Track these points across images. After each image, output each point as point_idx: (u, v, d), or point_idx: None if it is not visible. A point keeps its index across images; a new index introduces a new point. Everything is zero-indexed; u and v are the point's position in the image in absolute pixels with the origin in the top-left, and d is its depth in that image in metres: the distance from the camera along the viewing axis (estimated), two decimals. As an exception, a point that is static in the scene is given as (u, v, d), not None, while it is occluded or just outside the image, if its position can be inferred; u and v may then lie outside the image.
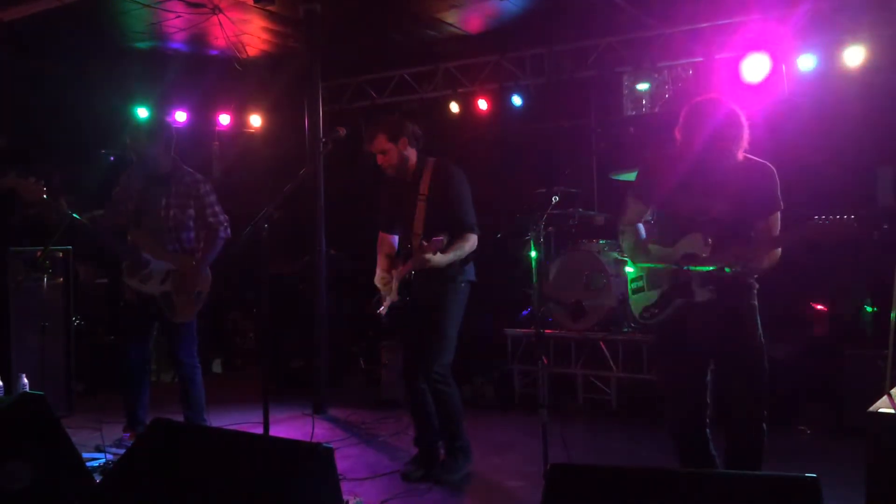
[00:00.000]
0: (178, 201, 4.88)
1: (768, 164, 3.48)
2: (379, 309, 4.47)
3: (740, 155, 3.41)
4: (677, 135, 3.51)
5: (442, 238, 4.12)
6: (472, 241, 4.34)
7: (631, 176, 6.61)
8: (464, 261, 4.37)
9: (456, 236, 4.31)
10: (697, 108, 3.46)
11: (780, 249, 3.42)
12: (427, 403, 4.52)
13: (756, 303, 3.53)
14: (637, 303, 3.69)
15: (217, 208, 4.96)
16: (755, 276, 3.52)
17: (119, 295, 4.98)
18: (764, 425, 3.48)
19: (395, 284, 4.40)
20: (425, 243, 4.19)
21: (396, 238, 4.63)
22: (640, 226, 3.80)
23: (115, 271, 5.38)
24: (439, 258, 4.19)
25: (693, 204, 3.49)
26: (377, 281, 4.55)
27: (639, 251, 3.69)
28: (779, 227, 3.45)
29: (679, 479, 2.50)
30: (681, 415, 3.65)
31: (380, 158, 4.46)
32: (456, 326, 4.43)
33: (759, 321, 3.52)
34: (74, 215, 4.59)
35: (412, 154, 4.46)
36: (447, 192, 4.37)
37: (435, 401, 4.45)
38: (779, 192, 3.44)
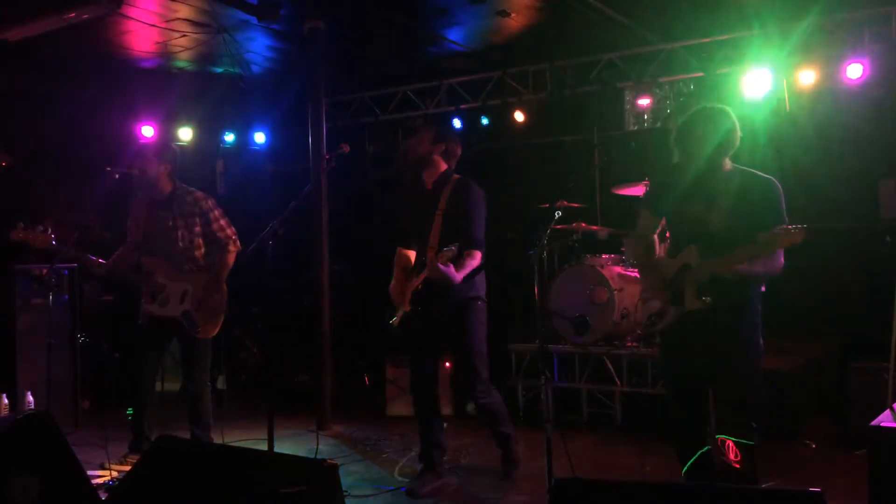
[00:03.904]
0: (184, 221, 4.92)
1: (772, 179, 3.50)
2: (392, 320, 4.57)
3: (729, 163, 3.48)
4: (675, 145, 3.57)
5: (453, 248, 4.18)
6: (476, 259, 4.41)
7: (634, 190, 6.66)
8: (478, 280, 4.50)
9: (463, 252, 4.37)
10: (702, 114, 3.51)
11: (779, 258, 3.42)
12: (435, 419, 4.60)
13: (756, 309, 3.53)
14: (645, 311, 3.78)
15: (223, 222, 5.00)
16: (758, 283, 3.53)
17: (126, 313, 5.03)
18: (754, 434, 3.46)
19: (407, 295, 4.50)
20: (433, 255, 4.26)
21: (413, 254, 4.71)
22: (655, 238, 3.84)
23: (121, 289, 5.42)
24: (451, 273, 4.23)
25: (693, 216, 3.55)
26: (392, 293, 4.64)
27: (640, 261, 3.77)
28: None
29: (683, 494, 2.51)
30: (680, 425, 3.70)
31: (409, 141, 4.66)
32: (484, 342, 4.59)
33: (755, 329, 3.53)
34: (89, 256, 4.76)
35: (439, 163, 4.59)
36: (462, 207, 4.47)
37: (481, 414, 4.65)
38: (782, 207, 3.45)
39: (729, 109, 3.54)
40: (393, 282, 4.65)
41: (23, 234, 4.60)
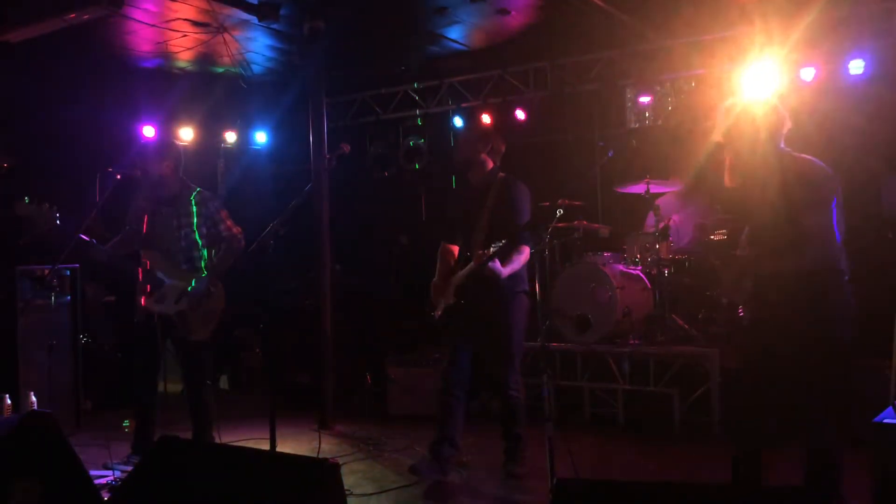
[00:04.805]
0: (189, 220, 4.89)
1: (819, 163, 3.49)
2: (434, 312, 4.66)
3: (779, 150, 3.51)
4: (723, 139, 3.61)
5: (501, 244, 4.25)
6: (526, 254, 4.54)
7: (635, 188, 6.64)
8: (523, 273, 4.60)
9: (513, 248, 4.45)
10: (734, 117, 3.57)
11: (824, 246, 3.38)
12: (458, 415, 4.64)
13: (833, 297, 3.42)
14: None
15: (230, 222, 4.99)
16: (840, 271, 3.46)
17: (128, 314, 5.02)
18: (835, 438, 3.36)
19: (451, 288, 4.59)
20: (481, 252, 4.34)
21: (457, 249, 4.80)
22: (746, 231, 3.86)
23: (123, 289, 5.41)
24: (498, 269, 4.35)
25: (755, 210, 3.57)
26: (434, 287, 4.73)
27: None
28: (824, 221, 3.38)
29: (686, 493, 2.50)
30: (745, 411, 3.62)
31: (460, 142, 4.82)
32: (522, 335, 4.67)
33: (829, 316, 3.39)
34: (91, 240, 4.69)
35: (486, 161, 4.72)
36: (510, 204, 4.58)
37: (504, 406, 4.67)
38: (827, 189, 3.41)
39: (744, 100, 3.61)
40: (436, 278, 4.75)
41: (27, 210, 4.53)
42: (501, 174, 4.77)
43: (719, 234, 5.90)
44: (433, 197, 8.43)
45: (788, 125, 3.56)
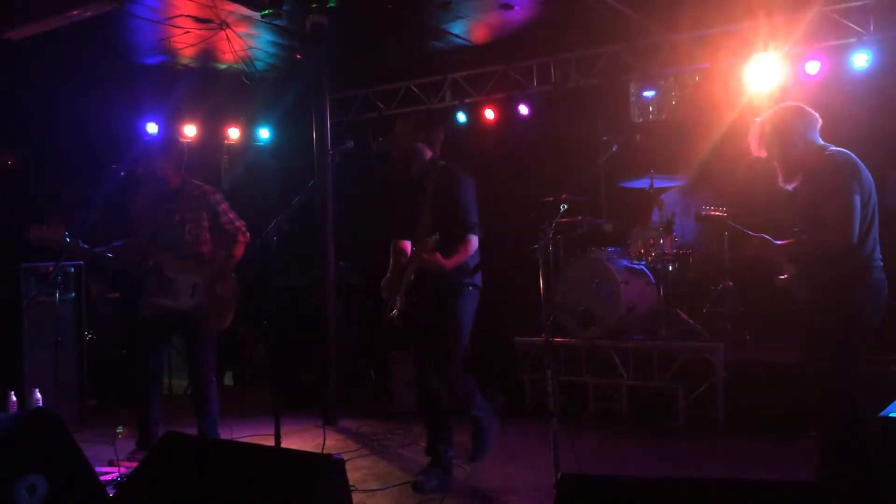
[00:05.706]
0: (192, 214, 4.90)
1: (841, 155, 3.58)
2: (391, 314, 4.53)
3: (814, 146, 3.61)
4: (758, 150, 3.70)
5: (436, 236, 4.13)
6: (472, 243, 4.38)
7: (639, 183, 6.63)
8: (471, 268, 4.43)
9: (457, 239, 4.33)
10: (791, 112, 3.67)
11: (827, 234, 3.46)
12: (440, 409, 4.57)
13: (838, 288, 3.48)
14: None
15: (232, 215, 5.01)
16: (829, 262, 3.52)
17: (133, 310, 5.03)
18: (837, 431, 3.43)
19: (402, 287, 4.46)
20: (422, 246, 4.23)
21: (409, 245, 4.68)
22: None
23: (127, 286, 5.42)
24: (441, 261, 4.20)
25: (790, 209, 3.67)
26: (383, 287, 4.60)
27: None
28: (832, 214, 3.45)
29: (689, 488, 2.50)
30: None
31: (394, 135, 4.62)
32: (467, 328, 4.47)
33: (832, 306, 3.47)
34: (96, 250, 4.69)
35: (423, 151, 4.53)
36: (450, 194, 4.42)
37: (451, 395, 4.53)
38: (839, 180, 3.49)
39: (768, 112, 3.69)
40: (387, 275, 4.62)
41: (38, 233, 4.52)
42: (442, 163, 4.56)
43: (717, 210, 5.86)
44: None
45: (819, 120, 3.64)
